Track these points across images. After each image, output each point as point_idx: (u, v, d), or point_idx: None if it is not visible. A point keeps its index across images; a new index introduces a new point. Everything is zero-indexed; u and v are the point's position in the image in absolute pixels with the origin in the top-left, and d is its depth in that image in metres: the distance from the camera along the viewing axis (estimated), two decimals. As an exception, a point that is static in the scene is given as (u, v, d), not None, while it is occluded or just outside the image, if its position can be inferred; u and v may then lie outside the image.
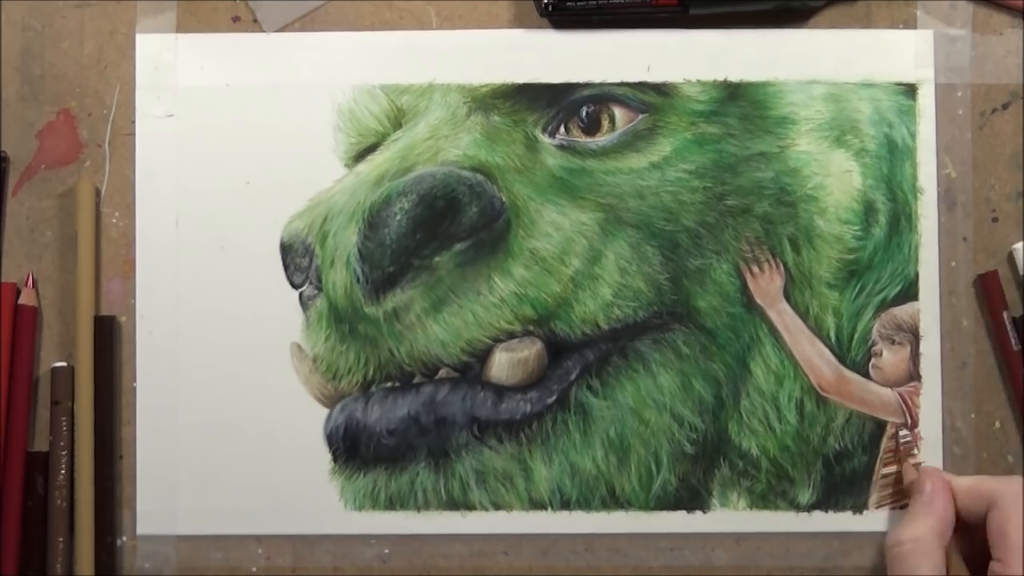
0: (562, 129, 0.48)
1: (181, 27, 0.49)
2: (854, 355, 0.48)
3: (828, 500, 0.48)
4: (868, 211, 0.48)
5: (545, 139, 0.48)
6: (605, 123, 0.48)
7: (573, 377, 0.48)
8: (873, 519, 0.48)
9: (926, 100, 0.48)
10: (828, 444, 0.48)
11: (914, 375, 0.48)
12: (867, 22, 0.49)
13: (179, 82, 0.49)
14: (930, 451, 0.48)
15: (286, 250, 0.48)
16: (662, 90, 0.48)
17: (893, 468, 0.48)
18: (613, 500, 0.48)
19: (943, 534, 0.42)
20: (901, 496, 0.48)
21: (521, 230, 0.48)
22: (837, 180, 0.48)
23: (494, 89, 0.49)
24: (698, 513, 0.48)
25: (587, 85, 0.48)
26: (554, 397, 0.48)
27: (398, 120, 0.49)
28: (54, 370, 0.48)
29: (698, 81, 0.49)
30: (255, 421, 0.48)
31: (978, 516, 0.42)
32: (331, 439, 0.48)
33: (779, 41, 0.49)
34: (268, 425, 0.48)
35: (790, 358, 0.48)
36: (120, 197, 0.49)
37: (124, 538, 0.48)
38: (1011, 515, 0.41)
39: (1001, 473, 0.48)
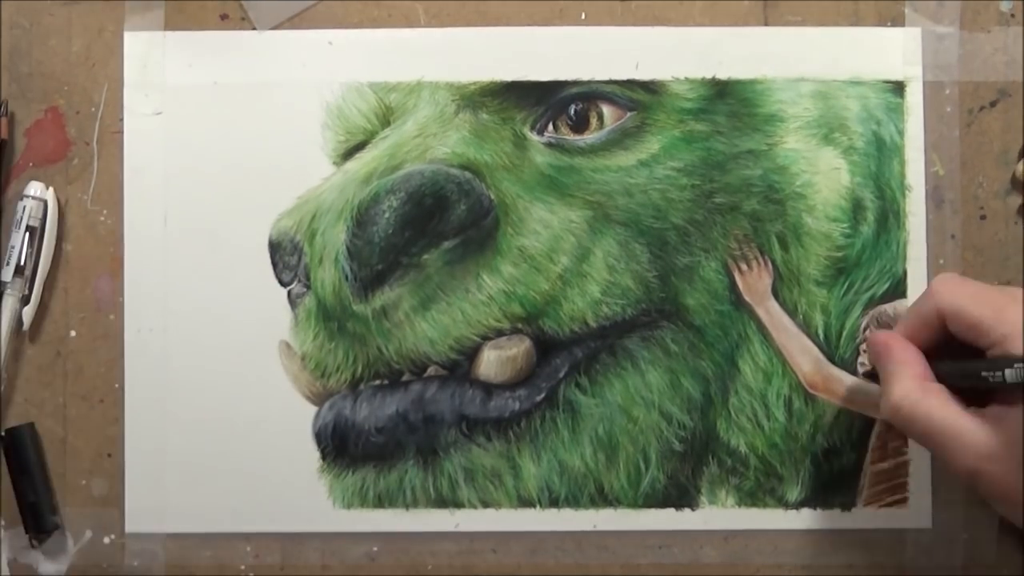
0: (550, 127, 0.48)
1: (169, 25, 0.49)
2: (842, 352, 0.48)
3: (816, 497, 0.48)
4: (856, 209, 0.48)
5: (533, 137, 0.48)
6: (593, 121, 0.48)
7: (562, 375, 0.47)
8: (862, 516, 0.48)
9: (914, 97, 0.48)
10: (816, 441, 0.48)
11: (902, 372, 0.48)
12: (855, 20, 0.49)
13: (167, 80, 0.49)
14: (918, 448, 0.48)
15: (274, 248, 0.48)
16: (650, 88, 0.48)
17: (882, 465, 0.48)
18: (602, 498, 0.48)
19: (924, 373, 0.41)
20: (890, 493, 0.48)
21: (509, 228, 0.48)
22: (825, 178, 0.48)
23: (482, 87, 0.48)
24: (686, 511, 0.48)
25: (575, 83, 0.48)
26: (543, 395, 0.47)
27: (386, 118, 0.48)
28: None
29: (686, 79, 0.48)
30: (243, 419, 0.48)
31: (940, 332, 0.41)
32: (320, 437, 0.48)
33: (767, 38, 0.49)
34: (257, 423, 0.48)
35: (778, 355, 0.48)
36: (108, 195, 0.49)
37: (112, 536, 0.48)
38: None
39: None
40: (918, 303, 0.42)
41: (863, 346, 0.48)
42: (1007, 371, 0.38)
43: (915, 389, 0.40)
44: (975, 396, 0.40)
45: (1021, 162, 0.48)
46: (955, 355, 0.41)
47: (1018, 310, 0.38)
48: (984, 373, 0.39)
